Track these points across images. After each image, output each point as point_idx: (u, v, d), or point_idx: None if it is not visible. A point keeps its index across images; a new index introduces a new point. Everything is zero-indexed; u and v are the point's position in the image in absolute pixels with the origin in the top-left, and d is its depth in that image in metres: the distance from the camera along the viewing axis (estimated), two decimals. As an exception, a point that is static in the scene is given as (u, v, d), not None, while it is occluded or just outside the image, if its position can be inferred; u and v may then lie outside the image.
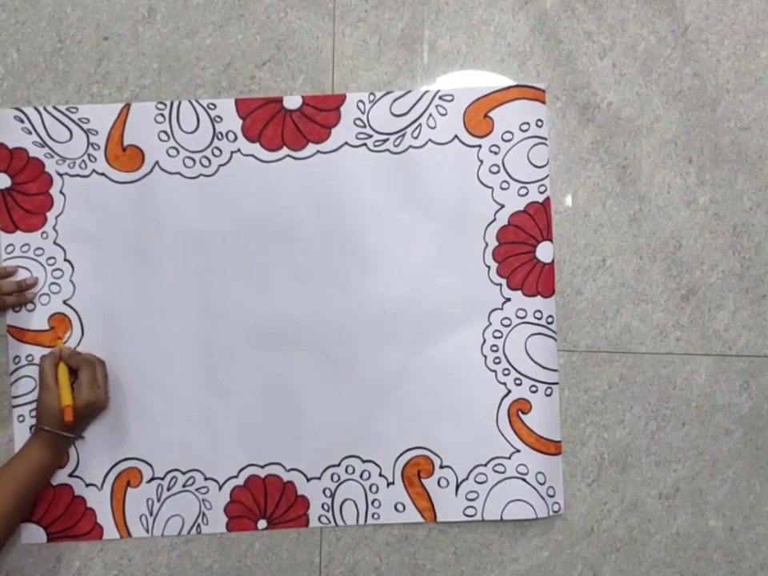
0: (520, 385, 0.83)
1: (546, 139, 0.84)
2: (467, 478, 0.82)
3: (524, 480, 0.82)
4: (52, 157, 0.82)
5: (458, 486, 0.82)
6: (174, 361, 0.82)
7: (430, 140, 0.83)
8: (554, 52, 0.85)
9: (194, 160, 0.83)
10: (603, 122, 0.85)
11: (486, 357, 0.83)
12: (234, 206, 0.83)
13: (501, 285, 0.83)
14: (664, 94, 0.85)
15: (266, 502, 0.82)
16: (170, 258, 0.83)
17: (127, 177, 0.83)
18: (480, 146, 0.83)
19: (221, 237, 0.83)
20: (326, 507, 0.82)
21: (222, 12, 0.84)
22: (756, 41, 0.85)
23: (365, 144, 0.83)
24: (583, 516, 0.83)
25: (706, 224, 0.85)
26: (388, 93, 0.83)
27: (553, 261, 0.84)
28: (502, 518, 0.82)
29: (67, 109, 0.82)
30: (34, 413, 0.80)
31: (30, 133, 0.82)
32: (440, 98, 0.83)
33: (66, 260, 0.82)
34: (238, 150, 0.83)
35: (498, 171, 0.83)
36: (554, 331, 0.83)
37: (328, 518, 0.82)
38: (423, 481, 0.82)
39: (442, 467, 0.82)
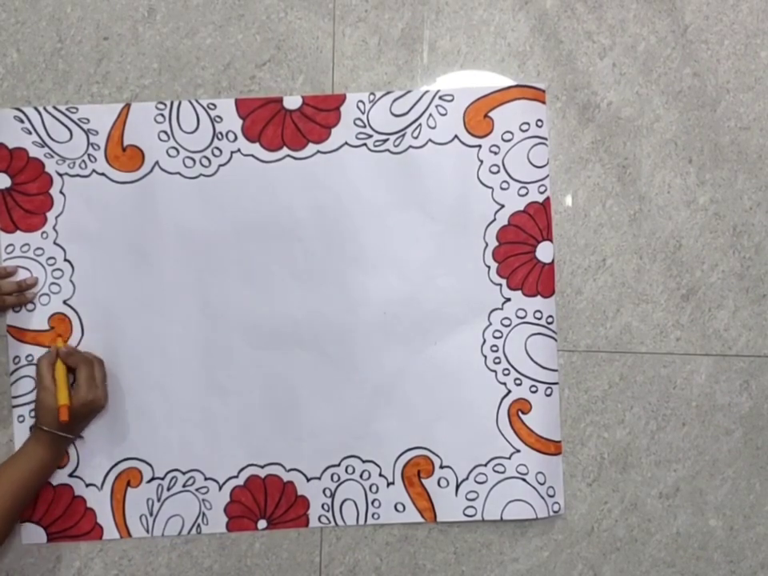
0: (520, 385, 0.83)
1: (546, 139, 0.84)
2: (467, 478, 0.82)
3: (524, 480, 0.82)
4: (52, 157, 0.82)
5: (457, 486, 0.82)
6: (174, 361, 0.82)
7: (430, 140, 0.83)
8: (554, 52, 0.85)
9: (194, 160, 0.83)
10: (603, 121, 0.85)
11: (486, 357, 0.83)
12: (233, 206, 0.83)
13: (501, 285, 0.83)
14: (664, 94, 0.85)
15: (265, 502, 0.82)
16: (170, 258, 0.83)
17: (127, 177, 0.83)
18: (480, 146, 0.83)
19: (221, 237, 0.83)
20: (325, 507, 0.82)
21: (222, 12, 0.84)
22: (756, 41, 0.85)
23: (365, 144, 0.83)
24: (583, 516, 0.83)
25: (706, 224, 0.85)
26: (388, 93, 0.83)
27: (553, 261, 0.84)
28: (501, 518, 0.82)
29: (67, 109, 0.82)
30: (33, 413, 0.80)
31: (30, 133, 0.82)
32: (440, 98, 0.83)
33: (65, 260, 0.82)
34: (238, 150, 0.83)
35: (498, 171, 0.83)
36: (554, 331, 0.83)
37: (328, 518, 0.82)
38: (423, 481, 0.82)
39: (442, 467, 0.82)
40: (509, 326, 0.83)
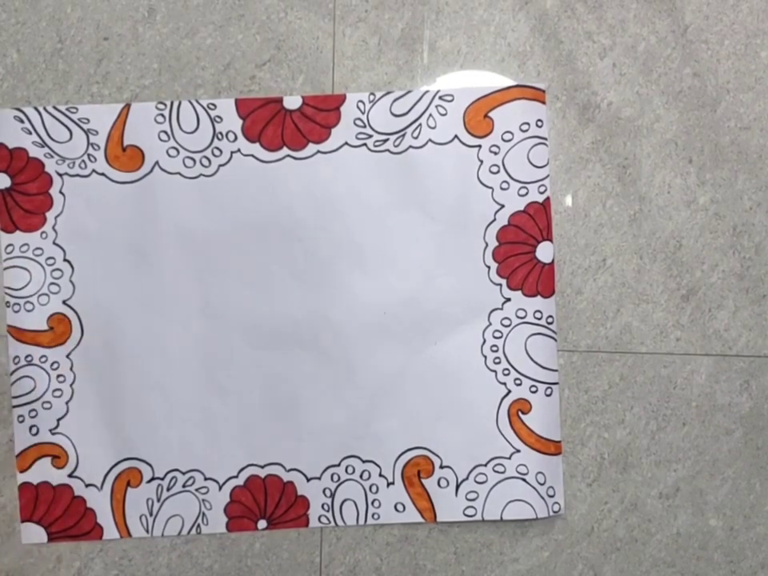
0: (520, 385, 0.83)
1: (546, 139, 0.84)
2: (467, 478, 0.82)
3: (524, 480, 0.82)
4: (52, 157, 0.82)
5: (457, 486, 0.82)
6: (174, 361, 0.82)
7: (430, 140, 0.83)
8: (554, 52, 0.85)
9: (194, 160, 0.83)
10: (603, 121, 0.85)
11: (485, 357, 0.83)
12: (234, 206, 0.83)
13: (501, 285, 0.83)
14: (664, 94, 0.85)
15: (265, 502, 0.82)
16: (170, 258, 0.83)
17: (127, 177, 0.83)
18: (480, 146, 0.83)
19: (221, 237, 0.83)
20: (326, 507, 0.82)
21: (222, 12, 0.84)
22: (756, 41, 0.85)
23: (365, 144, 0.83)
24: (583, 516, 0.83)
25: (706, 224, 0.85)
26: (388, 93, 0.83)
27: (553, 261, 0.84)
28: (501, 518, 0.82)
29: (67, 109, 0.82)
30: (33, 413, 0.81)
31: (30, 133, 0.82)
32: (440, 98, 0.83)
33: (65, 260, 0.82)
34: (238, 150, 0.83)
35: (498, 171, 0.83)
36: (554, 331, 0.83)
37: (328, 518, 0.82)
38: (423, 481, 0.82)
39: (441, 467, 0.82)
40: (509, 326, 0.83)
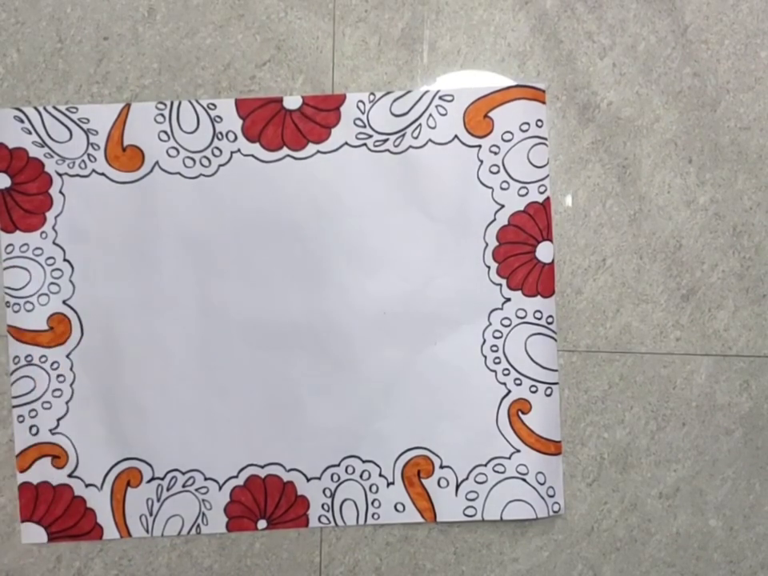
0: (520, 385, 0.83)
1: (546, 139, 0.84)
2: (467, 478, 0.82)
3: (524, 480, 0.82)
4: (52, 157, 0.82)
5: (457, 486, 0.82)
6: (173, 361, 0.82)
7: (430, 140, 0.83)
8: (554, 52, 0.85)
9: (194, 160, 0.83)
10: (603, 122, 0.85)
11: (485, 357, 0.83)
12: (233, 206, 0.83)
13: (501, 285, 0.83)
14: (664, 94, 0.85)
15: (265, 502, 0.82)
16: (170, 257, 0.83)
17: (127, 177, 0.83)
18: (480, 146, 0.83)
19: (221, 237, 0.83)
20: (325, 507, 0.82)
21: (222, 12, 0.84)
22: (756, 41, 0.85)
23: (365, 144, 0.83)
24: (583, 516, 0.83)
25: (706, 224, 0.85)
26: (388, 93, 0.83)
27: (553, 261, 0.84)
28: (501, 518, 0.82)
29: (67, 109, 0.82)
30: (33, 413, 0.81)
31: (30, 133, 0.82)
32: (440, 98, 0.83)
33: (65, 260, 0.82)
34: (238, 150, 0.83)
35: (498, 171, 0.83)
36: (553, 331, 0.83)
37: (328, 518, 0.82)
38: (423, 481, 0.82)
39: (441, 467, 0.82)
40: (509, 326, 0.83)
